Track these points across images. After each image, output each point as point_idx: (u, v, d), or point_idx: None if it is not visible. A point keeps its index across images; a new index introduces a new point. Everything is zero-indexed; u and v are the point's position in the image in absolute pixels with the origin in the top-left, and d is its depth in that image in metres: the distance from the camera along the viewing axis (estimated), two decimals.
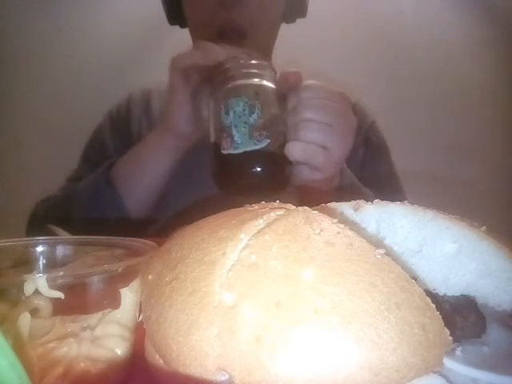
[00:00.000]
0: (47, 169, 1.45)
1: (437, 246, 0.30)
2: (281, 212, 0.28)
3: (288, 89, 0.67)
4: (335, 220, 0.26)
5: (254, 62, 0.69)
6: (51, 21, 1.58)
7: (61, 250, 0.36)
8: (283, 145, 0.65)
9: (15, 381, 0.17)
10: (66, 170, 0.96)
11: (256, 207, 0.30)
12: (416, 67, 1.63)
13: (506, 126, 1.64)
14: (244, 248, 0.24)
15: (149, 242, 0.34)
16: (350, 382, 0.20)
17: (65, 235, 0.55)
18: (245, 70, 0.67)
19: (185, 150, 0.79)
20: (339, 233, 0.25)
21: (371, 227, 0.32)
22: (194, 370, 0.23)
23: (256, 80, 0.67)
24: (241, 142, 0.63)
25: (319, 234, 0.25)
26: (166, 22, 0.98)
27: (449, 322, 0.22)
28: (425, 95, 1.62)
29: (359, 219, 0.33)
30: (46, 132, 1.58)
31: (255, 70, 0.67)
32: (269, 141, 0.63)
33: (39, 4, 1.57)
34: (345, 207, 0.34)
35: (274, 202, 0.31)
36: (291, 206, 0.30)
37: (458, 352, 0.24)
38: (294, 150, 0.64)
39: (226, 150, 0.64)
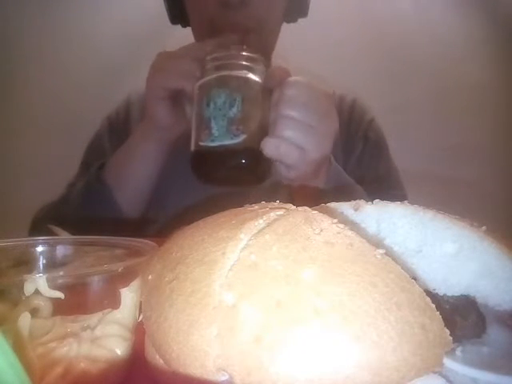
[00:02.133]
0: (48, 169, 1.45)
1: (437, 246, 0.30)
2: (281, 212, 0.28)
3: (274, 84, 0.66)
4: (335, 220, 0.26)
5: (244, 53, 0.68)
6: (49, 22, 1.58)
7: (61, 250, 0.36)
8: (259, 141, 0.64)
9: (15, 381, 0.17)
10: (67, 170, 0.96)
11: (256, 207, 0.30)
12: (416, 67, 1.63)
13: (506, 126, 1.64)
14: (244, 248, 0.24)
15: (149, 241, 0.34)
16: (349, 382, 0.20)
17: (65, 235, 0.55)
18: (233, 61, 0.67)
19: (172, 141, 0.79)
20: (339, 233, 0.25)
21: (371, 227, 0.32)
22: (194, 370, 0.23)
23: (242, 72, 0.66)
24: (218, 135, 0.63)
25: (319, 233, 0.25)
26: (167, 22, 0.98)
27: (449, 322, 0.22)
28: (425, 95, 1.62)
29: (359, 219, 0.33)
30: (48, 133, 1.57)
31: (244, 62, 0.67)
32: (245, 136, 0.63)
33: (37, 5, 1.57)
34: (345, 207, 0.34)
35: (274, 202, 0.31)
36: (291, 206, 0.30)
37: (458, 352, 0.24)
38: (268, 146, 0.64)
39: (204, 142, 0.65)
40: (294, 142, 0.64)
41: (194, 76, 0.70)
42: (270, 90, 0.67)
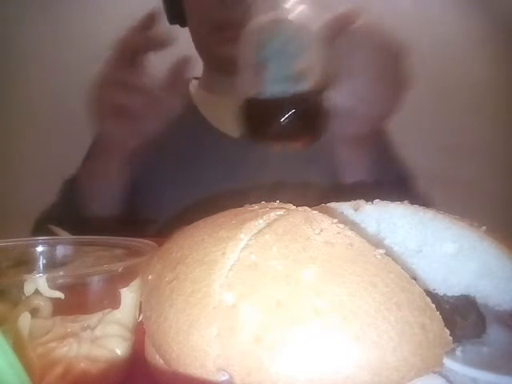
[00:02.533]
0: (48, 170, 1.45)
1: (437, 246, 0.30)
2: (281, 212, 0.28)
3: (339, 31, 0.60)
4: (335, 220, 0.26)
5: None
6: (50, 22, 1.58)
7: (61, 250, 0.36)
8: (321, 91, 0.58)
9: (15, 381, 0.17)
10: (67, 170, 0.95)
11: (256, 207, 0.30)
12: (416, 67, 1.63)
13: (506, 126, 1.64)
14: (244, 248, 0.24)
15: (149, 241, 0.34)
16: (349, 382, 0.20)
17: (65, 235, 0.55)
18: (287, 5, 0.58)
19: (128, 156, 0.76)
20: (339, 233, 0.25)
21: (371, 227, 0.33)
22: (194, 370, 0.23)
23: (299, 14, 0.58)
24: (273, 83, 0.57)
25: (319, 233, 0.25)
26: (166, 21, 0.98)
27: (449, 322, 0.22)
28: (425, 95, 1.62)
29: (359, 219, 0.33)
30: (48, 133, 1.57)
31: (298, 10, 0.59)
32: (305, 84, 0.57)
33: (38, 5, 1.57)
34: (345, 207, 0.34)
35: (274, 202, 0.31)
36: (291, 206, 0.30)
37: (458, 352, 0.24)
38: (332, 98, 0.58)
39: (255, 92, 0.58)
40: (359, 95, 0.59)
41: (133, 86, 0.67)
42: (333, 36, 0.60)
